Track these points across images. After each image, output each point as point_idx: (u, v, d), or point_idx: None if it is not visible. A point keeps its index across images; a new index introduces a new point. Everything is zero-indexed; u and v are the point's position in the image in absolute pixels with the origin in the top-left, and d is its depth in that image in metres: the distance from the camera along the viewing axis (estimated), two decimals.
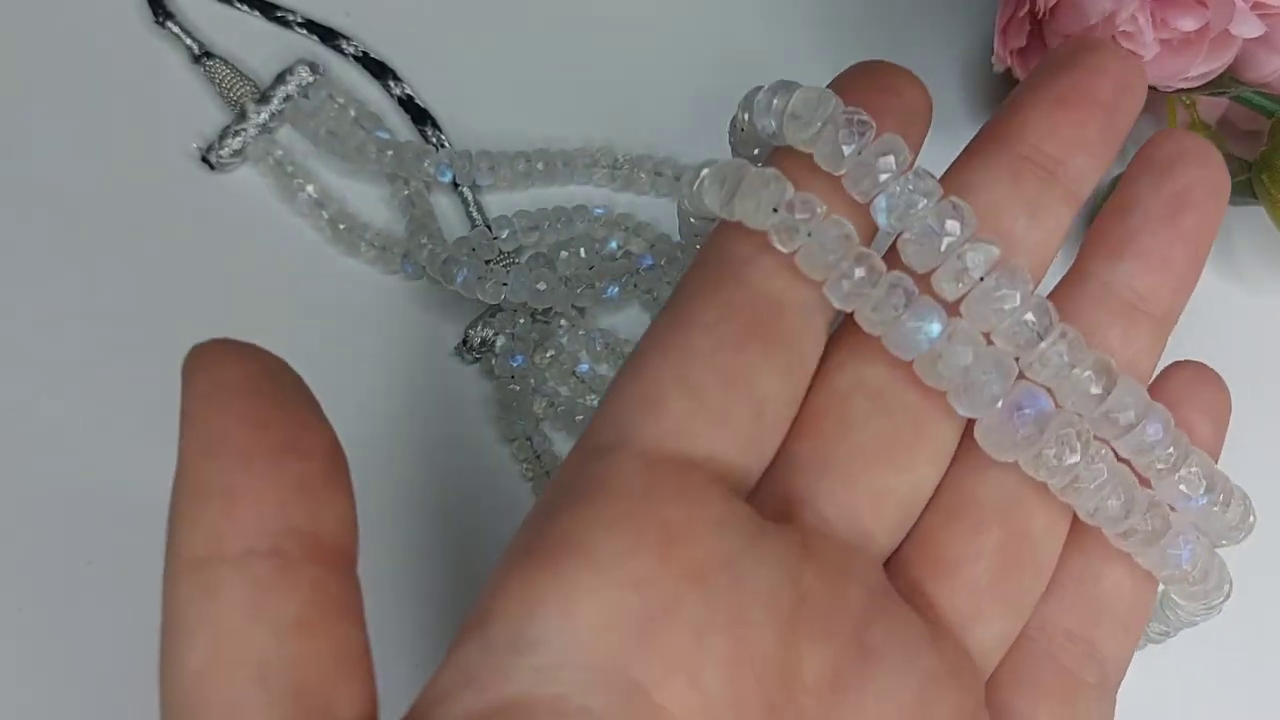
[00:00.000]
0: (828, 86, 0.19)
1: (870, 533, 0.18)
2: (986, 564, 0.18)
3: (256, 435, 0.14)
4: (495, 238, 0.27)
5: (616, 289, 0.27)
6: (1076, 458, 0.17)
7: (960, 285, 0.17)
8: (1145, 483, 0.18)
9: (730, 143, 0.20)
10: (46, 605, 0.25)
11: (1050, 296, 0.20)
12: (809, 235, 0.17)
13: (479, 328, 0.27)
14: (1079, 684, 0.19)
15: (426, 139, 0.29)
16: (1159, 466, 0.18)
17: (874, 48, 0.30)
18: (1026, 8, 0.26)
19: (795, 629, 0.16)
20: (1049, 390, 0.18)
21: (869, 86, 0.19)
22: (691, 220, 0.20)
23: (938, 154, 0.20)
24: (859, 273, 0.17)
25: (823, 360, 0.19)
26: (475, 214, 0.28)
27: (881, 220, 0.18)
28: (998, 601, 0.18)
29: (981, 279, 0.17)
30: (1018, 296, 0.17)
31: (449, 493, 0.27)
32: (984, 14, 0.30)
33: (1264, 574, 0.27)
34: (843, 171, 0.18)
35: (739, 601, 0.16)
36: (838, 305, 0.18)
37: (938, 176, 0.18)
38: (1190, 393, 0.20)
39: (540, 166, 0.28)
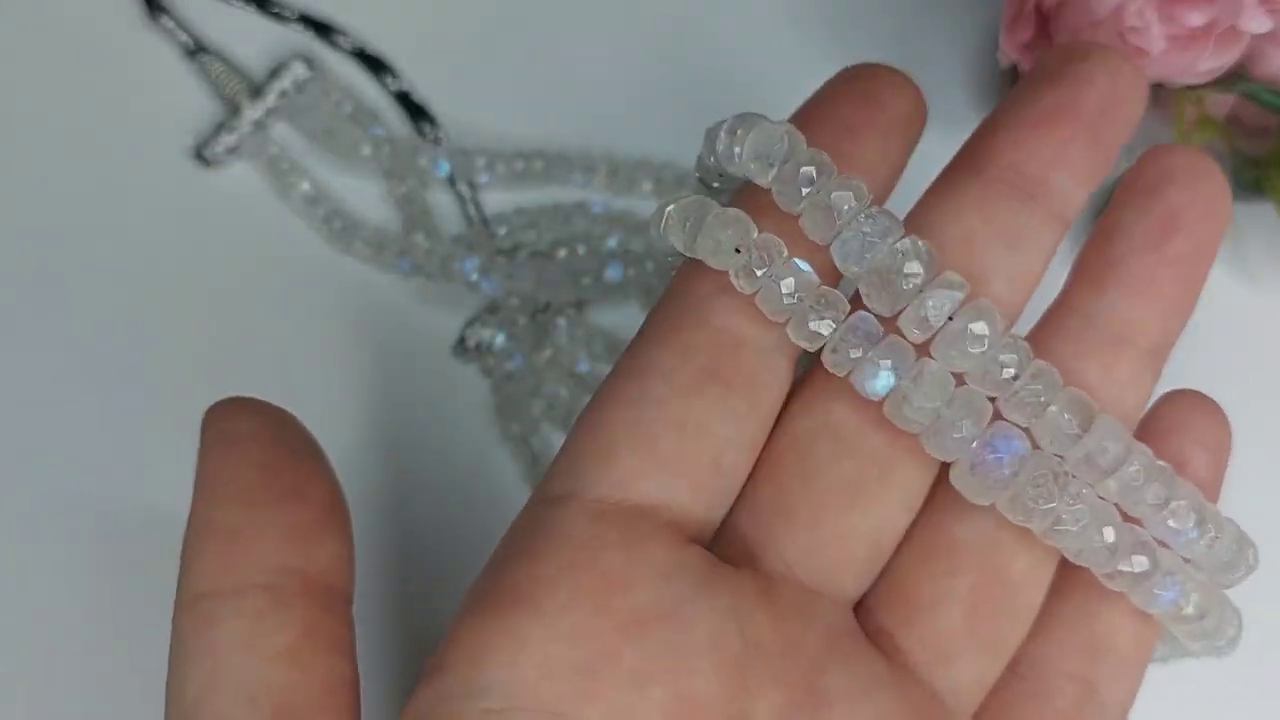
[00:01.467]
0: (813, 97, 0.19)
1: (835, 576, 0.18)
2: (960, 607, 0.18)
3: (262, 481, 0.16)
4: (493, 235, 0.27)
5: (620, 272, 0.27)
6: (1054, 503, 0.17)
7: (925, 330, 0.17)
8: (1135, 521, 0.18)
9: (696, 175, 0.19)
10: (48, 612, 0.25)
11: (1035, 329, 0.19)
12: (770, 277, 0.17)
13: (476, 327, 0.27)
14: None
15: (423, 135, 0.28)
16: (1146, 504, 0.17)
17: (879, 45, 0.30)
18: (1033, 2, 0.26)
19: (743, 675, 0.16)
20: (1026, 431, 0.17)
21: (850, 100, 0.18)
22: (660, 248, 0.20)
23: (944, 151, 0.20)
24: (818, 315, 0.17)
25: (788, 401, 0.18)
26: (473, 211, 0.28)
27: (839, 263, 0.17)
28: (972, 644, 0.18)
29: (950, 318, 0.17)
30: (986, 338, 0.17)
31: (446, 493, 0.26)
32: (990, 8, 0.30)
33: (1264, 574, 0.27)
34: (799, 212, 0.17)
35: (680, 649, 0.16)
36: (801, 345, 0.17)
37: (924, 190, 0.18)
38: (1186, 423, 0.19)
39: (539, 166, 0.28)
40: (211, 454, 0.16)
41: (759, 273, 0.17)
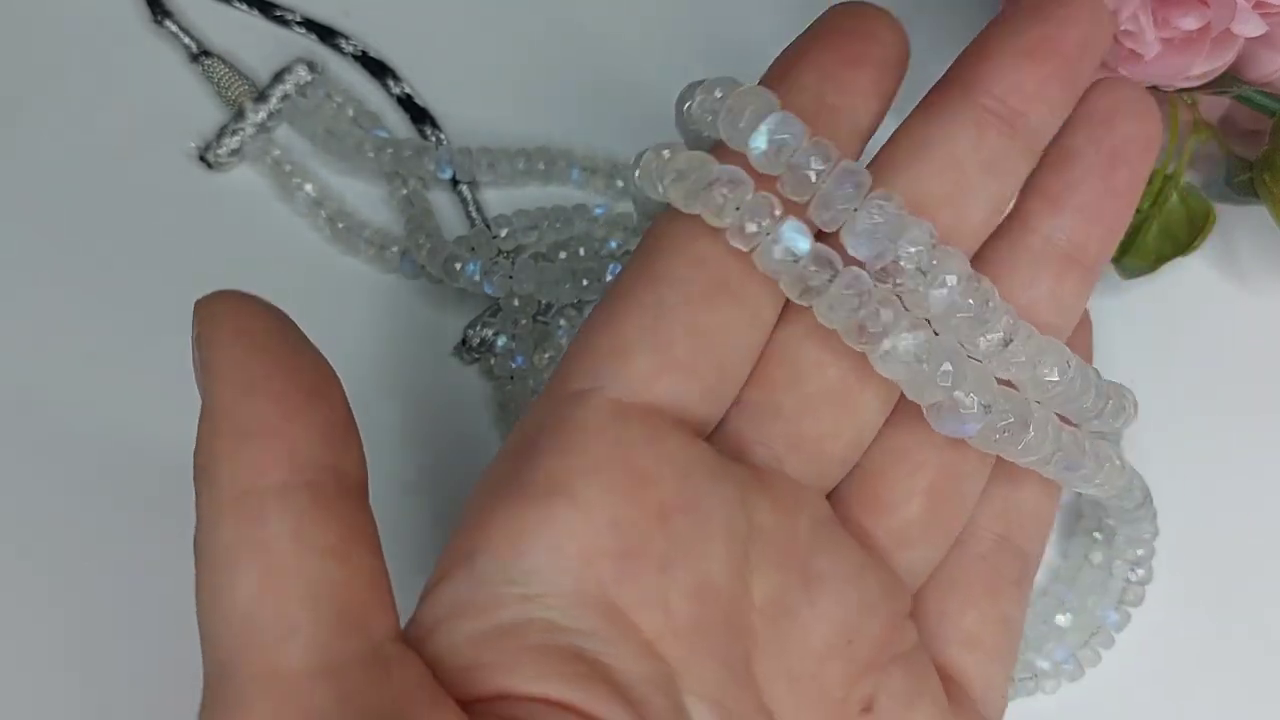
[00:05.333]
0: (809, 29, 0.20)
1: (819, 471, 0.20)
2: (920, 500, 0.20)
3: (289, 379, 0.16)
4: (495, 236, 0.27)
5: (621, 269, 0.27)
6: (1025, 434, 0.18)
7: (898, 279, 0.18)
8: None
9: (678, 126, 0.20)
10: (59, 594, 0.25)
11: (988, 242, 0.20)
12: (767, 235, 0.18)
13: (478, 328, 0.27)
14: (1003, 581, 0.21)
15: (425, 138, 0.29)
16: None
17: None
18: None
19: (747, 558, 0.18)
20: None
21: (849, 32, 0.20)
22: (645, 194, 0.20)
23: None
24: (815, 273, 0.18)
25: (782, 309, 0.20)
26: (474, 213, 0.28)
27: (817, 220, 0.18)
28: (927, 532, 0.20)
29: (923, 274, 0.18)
30: (955, 278, 0.18)
31: (447, 494, 0.27)
32: (986, 7, 0.30)
33: (1264, 575, 0.27)
34: (779, 175, 0.18)
35: (700, 537, 0.18)
36: (796, 301, 0.18)
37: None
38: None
39: (541, 166, 0.28)
40: (227, 350, 0.16)
41: (750, 229, 0.18)
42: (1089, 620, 0.26)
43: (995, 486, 0.21)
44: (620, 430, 0.18)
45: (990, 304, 0.18)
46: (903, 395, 0.20)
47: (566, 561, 0.17)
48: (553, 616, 0.17)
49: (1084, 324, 0.23)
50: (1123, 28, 0.25)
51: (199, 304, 0.16)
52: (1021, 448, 0.18)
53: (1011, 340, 0.18)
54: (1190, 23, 0.24)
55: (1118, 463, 0.20)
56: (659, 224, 0.20)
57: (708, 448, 0.19)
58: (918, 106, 0.20)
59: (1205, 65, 0.25)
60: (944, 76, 0.20)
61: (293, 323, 0.17)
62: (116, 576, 0.25)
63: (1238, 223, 0.29)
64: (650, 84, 0.30)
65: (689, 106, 0.19)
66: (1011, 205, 0.20)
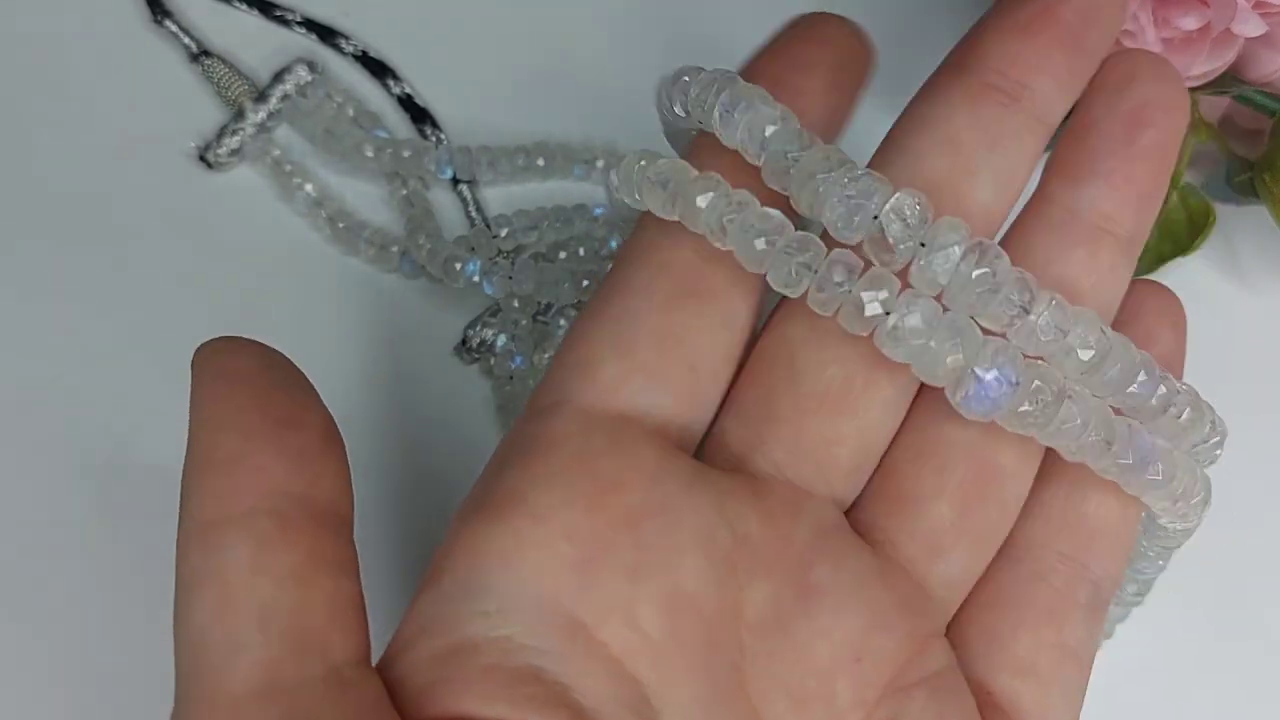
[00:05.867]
0: (765, 42, 0.20)
1: (824, 477, 0.19)
2: (950, 501, 0.19)
3: (258, 412, 0.16)
4: (495, 236, 0.27)
5: None
6: (1052, 423, 0.17)
7: (933, 285, 0.17)
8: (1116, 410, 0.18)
9: (663, 121, 0.20)
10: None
11: (1015, 223, 0.20)
12: (744, 232, 0.17)
13: (478, 328, 0.27)
14: (1066, 604, 0.19)
15: (425, 138, 0.29)
16: (1128, 394, 0.18)
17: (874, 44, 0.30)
18: None
19: (734, 570, 0.17)
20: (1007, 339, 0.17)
21: (802, 39, 0.19)
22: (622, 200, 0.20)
23: None
24: (797, 260, 0.17)
25: (775, 310, 0.19)
26: (474, 212, 0.28)
27: (832, 232, 0.18)
28: (963, 537, 0.19)
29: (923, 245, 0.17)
30: (957, 247, 0.17)
31: (448, 494, 0.27)
32: (982, 10, 0.30)
33: (1264, 575, 0.27)
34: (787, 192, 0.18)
35: (671, 544, 0.17)
36: (785, 293, 0.18)
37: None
38: (1148, 305, 0.20)
39: (540, 161, 0.28)
40: (206, 389, 0.16)
41: (728, 223, 0.17)
42: None
43: (1053, 493, 0.20)
44: (584, 439, 0.17)
45: (998, 272, 0.17)
46: (920, 391, 0.19)
47: (523, 574, 0.16)
48: (511, 633, 0.16)
49: (1177, 326, 0.21)
50: (1122, 27, 0.25)
51: (197, 348, 0.17)
52: (1058, 429, 0.17)
53: (1030, 309, 0.17)
54: (1190, 23, 0.24)
55: (1198, 475, 0.19)
56: (628, 238, 0.19)
57: (684, 456, 0.18)
58: (919, 90, 0.20)
59: (1205, 65, 0.25)
60: (941, 63, 0.20)
61: (281, 358, 0.17)
62: (115, 577, 0.25)
63: (1238, 223, 0.29)
64: (650, 84, 0.30)
65: (685, 96, 0.19)
66: (1033, 183, 0.20)
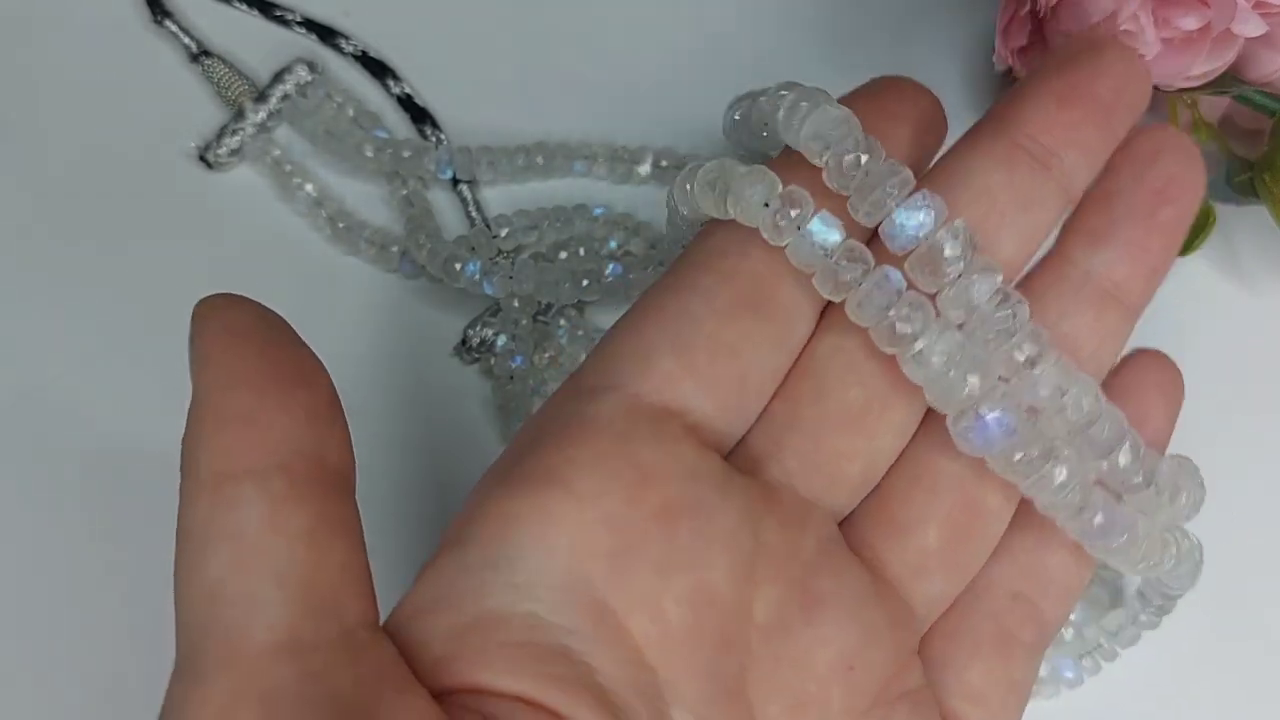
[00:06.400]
0: (851, 92, 0.20)
1: (830, 490, 0.19)
2: (937, 529, 0.19)
3: (269, 370, 0.16)
4: (495, 236, 0.27)
5: (620, 273, 0.27)
6: (1034, 474, 0.18)
7: (965, 310, 0.18)
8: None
9: (725, 132, 0.21)
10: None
11: (1029, 278, 0.20)
12: (798, 229, 0.18)
13: (478, 328, 0.27)
14: (1016, 643, 0.20)
15: (425, 138, 0.29)
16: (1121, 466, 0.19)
17: (876, 47, 0.30)
18: (1028, 7, 0.26)
19: (751, 572, 0.18)
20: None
21: (888, 92, 0.20)
22: (682, 214, 0.20)
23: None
24: (847, 266, 0.18)
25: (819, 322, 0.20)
26: (474, 212, 0.28)
27: (889, 245, 0.18)
28: (943, 564, 0.20)
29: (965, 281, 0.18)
30: (993, 276, 0.18)
31: (447, 494, 0.27)
32: (985, 13, 0.30)
33: (1264, 575, 0.27)
34: (849, 192, 0.18)
35: (702, 543, 0.17)
36: (827, 296, 0.18)
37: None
38: (1148, 378, 0.21)
39: (540, 160, 0.28)
40: (212, 343, 0.16)
41: (782, 223, 0.18)
42: (1091, 634, 0.26)
43: (1020, 542, 0.21)
44: (629, 426, 0.18)
45: (1019, 317, 0.18)
46: (923, 423, 0.20)
47: (556, 552, 0.17)
48: (539, 610, 0.16)
49: (1172, 402, 0.22)
50: (1123, 28, 0.25)
51: (195, 306, 0.17)
52: (1041, 480, 0.18)
53: (1038, 362, 0.18)
54: (1190, 23, 0.24)
55: (1172, 547, 0.20)
56: (693, 241, 0.20)
57: (718, 459, 0.18)
58: (955, 143, 0.20)
59: (1205, 65, 0.25)
60: (981, 119, 0.20)
61: (281, 320, 0.17)
62: (115, 576, 0.25)
63: (1238, 223, 0.29)
64: (650, 84, 0.30)
65: (776, 121, 0.19)
66: (1051, 244, 0.21)
